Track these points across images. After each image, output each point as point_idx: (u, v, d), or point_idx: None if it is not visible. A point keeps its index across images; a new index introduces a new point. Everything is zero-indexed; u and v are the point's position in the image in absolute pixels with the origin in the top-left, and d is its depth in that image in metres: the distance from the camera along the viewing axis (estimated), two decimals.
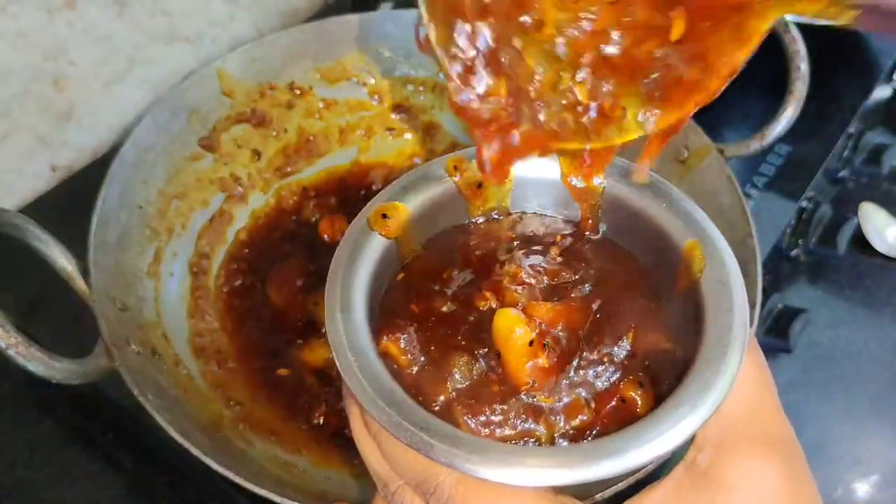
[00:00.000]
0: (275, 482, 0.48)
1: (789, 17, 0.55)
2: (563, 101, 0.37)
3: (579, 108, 0.37)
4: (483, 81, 0.37)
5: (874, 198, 0.70)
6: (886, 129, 0.78)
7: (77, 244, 0.51)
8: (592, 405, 0.35)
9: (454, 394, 0.34)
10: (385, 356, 0.35)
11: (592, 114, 0.37)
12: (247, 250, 0.65)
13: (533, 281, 0.38)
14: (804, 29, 0.59)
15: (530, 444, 0.34)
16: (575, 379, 0.35)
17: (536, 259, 0.39)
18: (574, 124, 0.37)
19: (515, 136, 0.37)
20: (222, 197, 0.65)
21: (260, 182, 0.67)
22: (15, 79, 0.64)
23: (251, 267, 0.64)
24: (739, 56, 0.34)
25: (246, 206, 0.66)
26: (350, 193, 0.68)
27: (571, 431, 0.34)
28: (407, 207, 0.39)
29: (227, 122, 0.66)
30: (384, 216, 0.38)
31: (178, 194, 0.62)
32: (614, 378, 0.35)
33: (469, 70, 0.36)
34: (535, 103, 0.37)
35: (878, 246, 0.68)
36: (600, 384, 0.35)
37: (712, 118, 0.63)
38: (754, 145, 0.60)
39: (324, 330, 0.35)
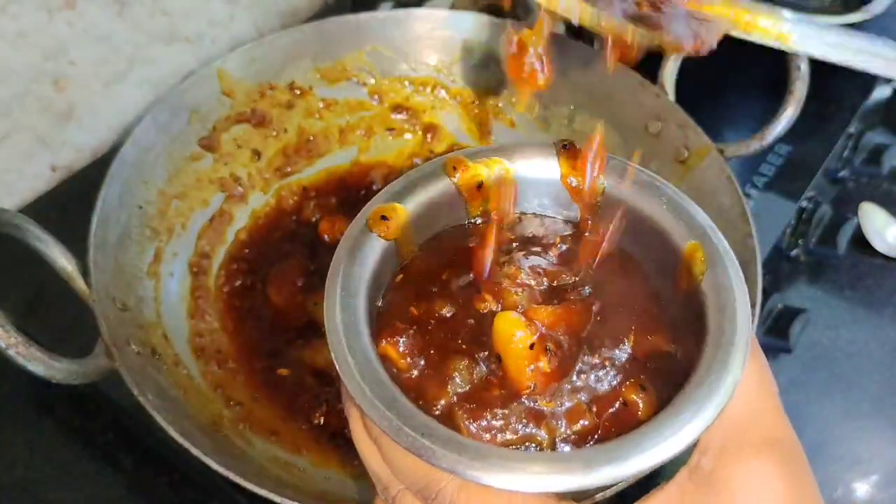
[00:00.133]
0: (275, 482, 0.48)
1: None
2: None
3: None
4: None
5: (874, 198, 0.70)
6: (886, 129, 0.78)
7: (77, 244, 0.51)
8: (594, 409, 0.34)
9: (455, 398, 0.34)
10: (384, 359, 0.35)
11: None
12: (247, 250, 0.65)
13: (533, 282, 0.38)
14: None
15: (532, 448, 0.34)
16: (577, 383, 0.35)
17: (536, 260, 0.39)
18: None
19: None
20: (222, 197, 0.65)
21: (260, 182, 0.67)
22: (15, 79, 0.64)
23: (251, 267, 0.64)
24: None
25: (246, 206, 0.66)
26: (350, 193, 0.68)
27: (573, 436, 0.34)
28: (406, 209, 0.38)
29: (227, 122, 0.66)
30: (383, 217, 0.38)
31: (178, 194, 0.62)
32: (616, 381, 0.35)
33: None
34: None
35: (878, 246, 0.68)
36: (602, 388, 0.35)
37: (712, 118, 0.64)
38: (754, 145, 0.60)
39: (324, 330, 0.35)
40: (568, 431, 0.34)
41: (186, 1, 0.73)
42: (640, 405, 0.34)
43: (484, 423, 0.33)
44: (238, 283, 0.63)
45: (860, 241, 0.68)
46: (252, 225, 0.66)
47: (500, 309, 0.36)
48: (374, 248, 0.37)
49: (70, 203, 0.62)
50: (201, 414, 0.52)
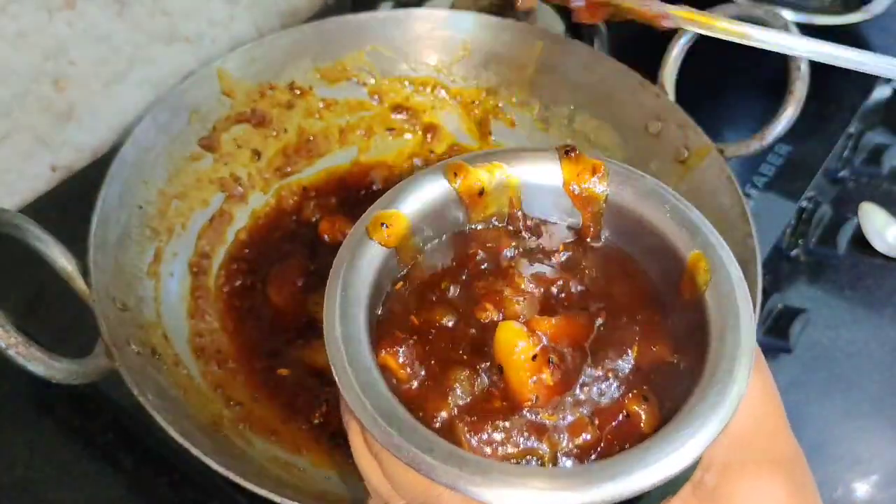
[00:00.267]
0: (275, 482, 0.48)
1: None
2: None
3: None
4: None
5: (874, 198, 0.70)
6: (886, 129, 0.78)
7: (77, 244, 0.51)
8: (596, 422, 0.34)
9: (455, 410, 0.33)
10: (384, 370, 0.34)
11: None
12: (247, 250, 0.65)
13: (534, 290, 0.37)
14: (804, 29, 0.59)
15: (533, 462, 0.33)
16: (579, 396, 0.34)
17: (538, 268, 0.38)
18: None
19: None
20: (222, 197, 0.65)
21: (260, 182, 0.67)
22: (15, 79, 0.64)
23: (251, 267, 0.64)
24: None
25: (246, 206, 0.66)
26: (350, 193, 0.68)
27: (575, 450, 0.33)
28: (406, 215, 0.38)
29: (227, 122, 0.66)
30: (383, 225, 0.37)
31: (178, 194, 0.62)
32: (618, 393, 0.34)
33: None
34: None
35: (878, 246, 0.68)
36: (604, 400, 0.34)
37: (712, 118, 0.64)
38: (754, 145, 0.60)
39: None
40: (570, 445, 0.33)
41: (186, 1, 0.73)
42: (643, 416, 0.33)
43: (485, 436, 0.33)
44: (238, 283, 0.63)
45: (860, 241, 0.68)
46: (252, 225, 0.66)
47: (501, 318, 0.36)
48: (374, 256, 0.37)
49: (70, 203, 0.62)
50: (201, 414, 0.52)
